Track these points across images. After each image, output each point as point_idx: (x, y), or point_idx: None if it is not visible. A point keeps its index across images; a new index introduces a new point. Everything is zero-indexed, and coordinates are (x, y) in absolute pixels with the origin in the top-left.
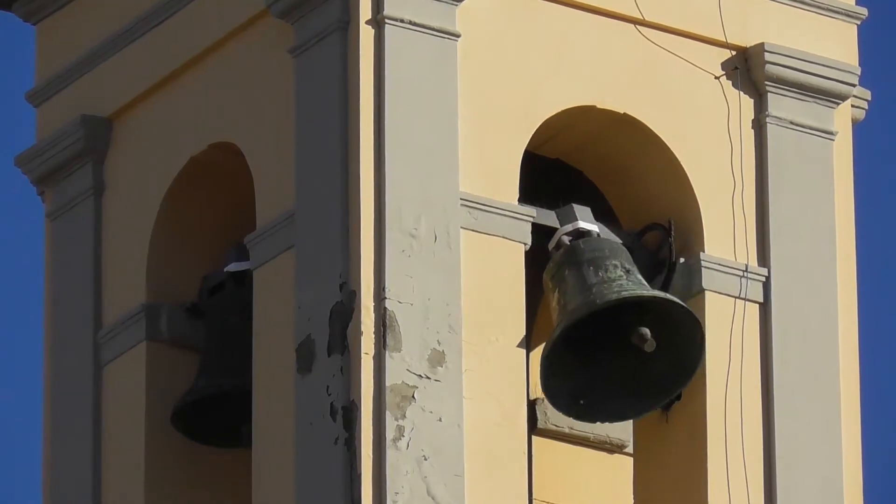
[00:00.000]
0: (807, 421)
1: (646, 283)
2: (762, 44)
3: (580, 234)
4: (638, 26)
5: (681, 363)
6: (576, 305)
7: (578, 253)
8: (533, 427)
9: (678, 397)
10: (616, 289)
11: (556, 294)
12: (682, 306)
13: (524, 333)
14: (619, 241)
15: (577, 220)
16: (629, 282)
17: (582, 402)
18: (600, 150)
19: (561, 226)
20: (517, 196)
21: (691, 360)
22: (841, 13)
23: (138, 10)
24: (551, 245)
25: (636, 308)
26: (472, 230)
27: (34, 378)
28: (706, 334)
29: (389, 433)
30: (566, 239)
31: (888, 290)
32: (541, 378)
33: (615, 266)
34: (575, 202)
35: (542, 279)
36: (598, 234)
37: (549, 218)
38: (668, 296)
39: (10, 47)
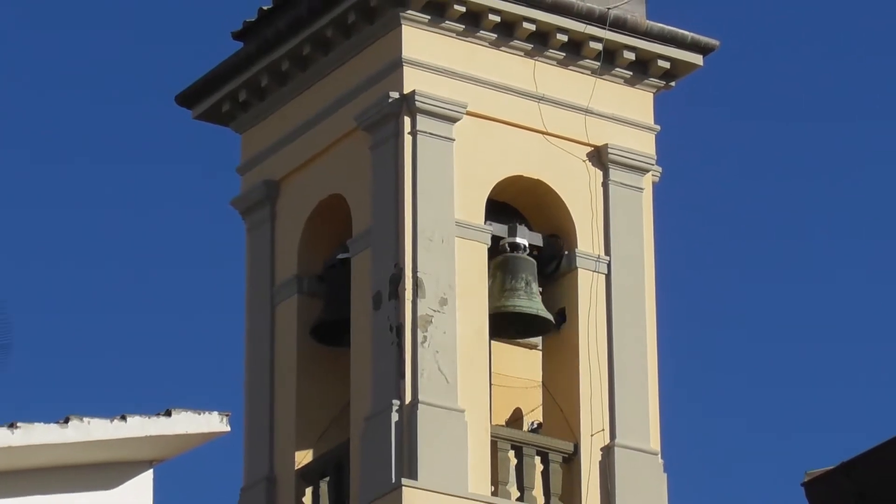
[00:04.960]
0: (629, 333)
1: (536, 293)
2: (607, 144)
3: (515, 245)
4: (544, 134)
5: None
6: (496, 305)
7: (508, 263)
8: (492, 336)
9: (564, 319)
10: (514, 300)
11: (493, 281)
12: (545, 316)
13: (487, 290)
14: (533, 259)
15: (516, 234)
16: (525, 293)
17: (512, 330)
18: (526, 197)
19: (507, 236)
20: (483, 220)
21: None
22: (646, 127)
23: (288, 129)
24: (500, 244)
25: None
26: (461, 238)
27: (240, 311)
28: (579, 292)
29: (419, 339)
30: (507, 246)
31: (672, 264)
32: (491, 322)
33: (522, 278)
34: (514, 224)
35: (490, 266)
36: (526, 246)
37: (501, 231)
38: (538, 311)
39: (227, 144)
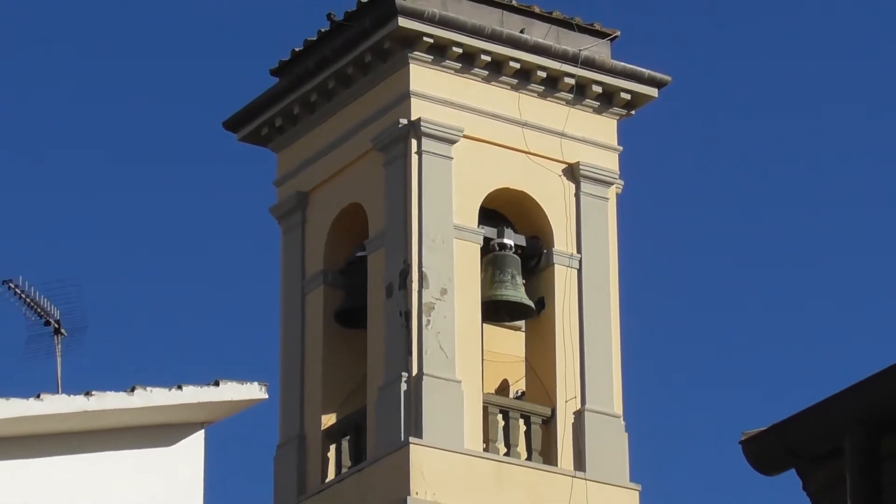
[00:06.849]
0: (597, 318)
1: (520, 284)
2: (578, 161)
3: (502, 245)
4: (527, 154)
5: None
6: (487, 294)
7: (497, 260)
8: (484, 320)
9: (543, 306)
10: (502, 290)
11: (485, 274)
12: (527, 303)
13: (480, 282)
14: (517, 256)
15: (504, 235)
16: (511, 285)
17: (501, 315)
18: (512, 205)
19: (497, 238)
20: (477, 224)
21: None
22: (611, 148)
23: (316, 149)
24: (490, 244)
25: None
26: (458, 238)
27: (276, 300)
28: (555, 284)
29: (424, 322)
30: (497, 245)
31: (632, 261)
32: (483, 308)
33: (509, 272)
34: (502, 227)
35: (483, 262)
36: (512, 246)
37: (491, 233)
38: (521, 300)
39: (265, 161)
